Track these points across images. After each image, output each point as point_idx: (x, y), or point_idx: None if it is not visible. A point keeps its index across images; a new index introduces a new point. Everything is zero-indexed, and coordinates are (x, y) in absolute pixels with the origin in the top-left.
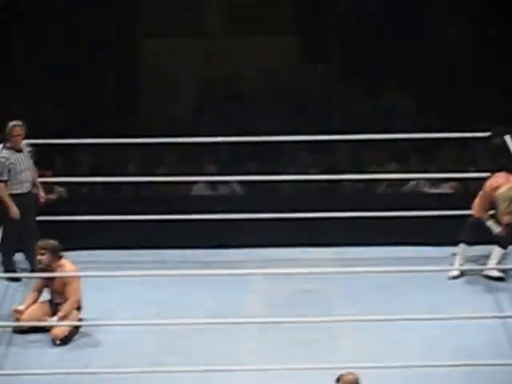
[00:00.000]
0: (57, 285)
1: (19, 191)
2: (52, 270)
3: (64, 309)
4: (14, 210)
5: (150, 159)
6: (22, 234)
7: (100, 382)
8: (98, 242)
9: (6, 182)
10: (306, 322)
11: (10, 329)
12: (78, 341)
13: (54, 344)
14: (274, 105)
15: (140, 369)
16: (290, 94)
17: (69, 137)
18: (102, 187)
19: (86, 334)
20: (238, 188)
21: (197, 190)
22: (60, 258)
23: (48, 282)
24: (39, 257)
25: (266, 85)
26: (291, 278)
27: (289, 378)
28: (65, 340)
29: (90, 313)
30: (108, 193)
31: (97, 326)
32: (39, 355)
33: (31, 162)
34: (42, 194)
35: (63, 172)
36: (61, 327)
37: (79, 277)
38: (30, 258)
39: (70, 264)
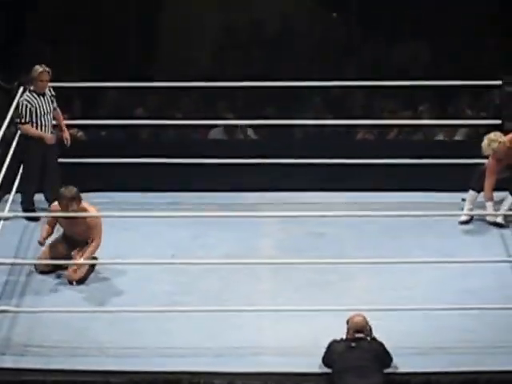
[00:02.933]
0: (79, 228)
1: (39, 134)
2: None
3: (89, 250)
4: (49, 137)
5: (169, 104)
6: (44, 175)
7: (116, 321)
8: (115, 184)
9: (28, 123)
10: (319, 263)
11: (28, 267)
12: (93, 280)
13: (71, 284)
14: (291, 51)
15: (155, 308)
16: (307, 40)
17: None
18: (121, 131)
19: (101, 274)
20: (252, 133)
21: (213, 135)
22: (81, 201)
23: (69, 226)
24: (68, 208)
25: (283, 31)
26: (304, 222)
27: (301, 319)
28: (81, 280)
29: (106, 253)
30: (127, 136)
31: (113, 264)
32: (56, 294)
33: (54, 105)
34: (66, 135)
35: (82, 115)
36: (77, 269)
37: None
38: (51, 198)
39: (91, 207)
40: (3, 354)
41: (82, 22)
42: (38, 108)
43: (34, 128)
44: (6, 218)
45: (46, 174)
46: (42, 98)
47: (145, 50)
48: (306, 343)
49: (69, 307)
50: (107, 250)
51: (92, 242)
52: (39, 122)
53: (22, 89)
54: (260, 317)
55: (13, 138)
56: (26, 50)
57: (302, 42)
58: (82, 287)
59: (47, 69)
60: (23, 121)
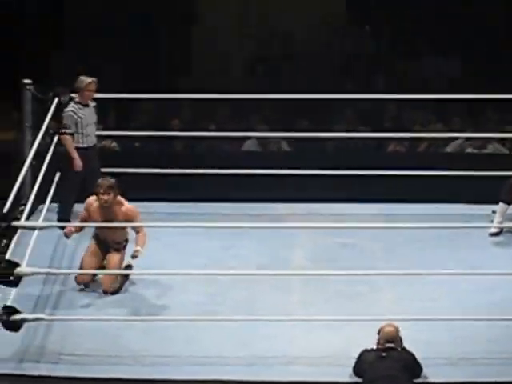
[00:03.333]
0: (117, 221)
1: (85, 145)
2: (111, 208)
3: (141, 240)
4: (78, 162)
5: (202, 117)
6: (86, 186)
7: (148, 330)
8: (149, 194)
9: (72, 134)
10: (350, 274)
11: (62, 276)
12: (126, 289)
13: (105, 294)
14: (322, 64)
15: (188, 317)
16: (337, 53)
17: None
18: (156, 142)
19: (134, 283)
20: (285, 145)
21: (247, 147)
22: (118, 194)
23: (105, 218)
24: (105, 196)
25: (314, 44)
26: (335, 233)
27: (331, 329)
28: (116, 290)
29: (139, 263)
30: (162, 148)
31: (146, 274)
32: (89, 302)
33: (96, 116)
34: (109, 144)
35: (117, 126)
36: (111, 281)
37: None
38: None
39: (125, 201)
40: (37, 362)
41: (115, 34)
42: (83, 119)
43: (79, 138)
44: (40, 228)
45: (88, 186)
46: (86, 109)
47: (180, 62)
48: (336, 353)
49: (102, 315)
50: (140, 260)
51: (138, 233)
52: (83, 132)
53: (57, 99)
54: (290, 327)
55: (47, 148)
56: (59, 62)
57: (334, 54)
58: (114, 296)
59: (95, 79)
60: (67, 131)
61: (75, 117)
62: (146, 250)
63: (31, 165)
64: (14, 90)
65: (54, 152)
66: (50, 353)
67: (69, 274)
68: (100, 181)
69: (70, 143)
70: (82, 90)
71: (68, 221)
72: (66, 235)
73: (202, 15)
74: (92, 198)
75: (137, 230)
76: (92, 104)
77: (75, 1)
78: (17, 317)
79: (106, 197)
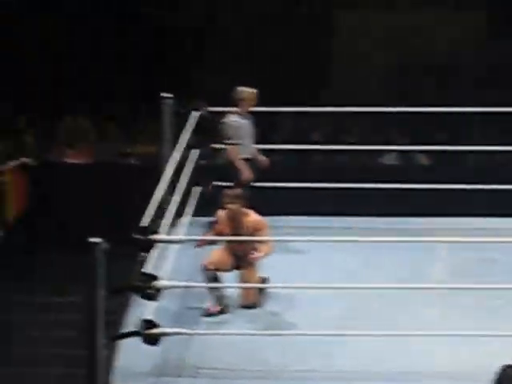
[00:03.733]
0: (245, 232)
1: (245, 156)
2: (238, 218)
3: (264, 249)
4: (247, 174)
5: (340, 130)
6: None
7: (286, 345)
8: (288, 208)
9: (234, 145)
10: (490, 288)
11: (200, 290)
12: (263, 303)
13: (244, 308)
14: (463, 78)
15: (325, 331)
16: (479, 67)
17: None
18: (296, 155)
19: (271, 297)
20: (424, 159)
21: (386, 160)
22: (244, 204)
23: (234, 230)
24: (232, 206)
25: (455, 58)
26: (475, 247)
27: (469, 344)
28: (255, 305)
29: (276, 276)
30: (301, 160)
31: (286, 288)
32: (227, 317)
33: (253, 129)
34: (262, 158)
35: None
36: (250, 295)
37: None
38: None
39: (252, 212)
40: (178, 376)
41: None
42: (243, 129)
43: (240, 149)
44: (179, 242)
45: None
46: (245, 120)
47: (319, 75)
48: (477, 368)
49: (239, 330)
50: (277, 274)
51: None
52: (244, 143)
53: (196, 113)
54: (429, 341)
55: (184, 161)
56: (198, 77)
57: (472, 67)
58: (251, 310)
59: (255, 90)
60: (230, 142)
61: (237, 127)
62: (286, 263)
63: (171, 178)
64: (153, 104)
65: (196, 165)
66: (189, 367)
67: (207, 287)
68: (226, 191)
69: (236, 154)
70: (242, 101)
71: None
72: (199, 246)
73: (339, 28)
74: (221, 211)
75: (263, 242)
76: (249, 116)
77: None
78: (156, 331)
79: (232, 206)
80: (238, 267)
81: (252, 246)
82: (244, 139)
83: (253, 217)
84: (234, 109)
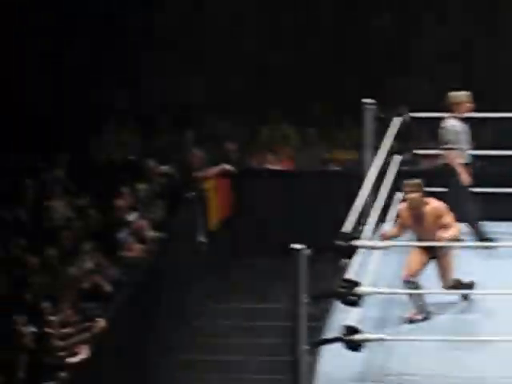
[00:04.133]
0: (427, 220)
1: (464, 161)
2: (419, 207)
3: (451, 232)
4: (466, 177)
5: None
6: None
7: (491, 352)
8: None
9: (454, 149)
10: None
11: (401, 296)
12: (460, 305)
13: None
14: None
15: None
16: None
17: None
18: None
19: (474, 303)
20: None
21: None
22: (423, 193)
23: (415, 222)
24: (412, 195)
25: None
26: None
27: None
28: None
29: (479, 281)
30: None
31: (487, 294)
32: (427, 323)
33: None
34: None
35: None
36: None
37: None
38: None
39: (432, 199)
40: (381, 383)
41: None
42: (461, 134)
43: (459, 153)
44: (380, 248)
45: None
46: (463, 124)
47: None
48: None
49: (441, 336)
50: (477, 279)
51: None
52: (462, 147)
53: (398, 119)
54: None
55: (386, 167)
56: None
57: None
58: (450, 316)
59: (470, 93)
60: (450, 147)
61: (457, 131)
62: (490, 269)
63: (373, 184)
64: (356, 110)
65: (398, 171)
66: (392, 373)
67: (409, 294)
68: (406, 180)
69: (456, 158)
70: (459, 105)
71: (488, 239)
72: (383, 236)
73: None
74: (403, 205)
75: (447, 226)
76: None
77: None
78: (358, 337)
79: (413, 195)
80: (433, 257)
81: (435, 233)
82: (462, 144)
83: (432, 204)
84: (450, 114)
